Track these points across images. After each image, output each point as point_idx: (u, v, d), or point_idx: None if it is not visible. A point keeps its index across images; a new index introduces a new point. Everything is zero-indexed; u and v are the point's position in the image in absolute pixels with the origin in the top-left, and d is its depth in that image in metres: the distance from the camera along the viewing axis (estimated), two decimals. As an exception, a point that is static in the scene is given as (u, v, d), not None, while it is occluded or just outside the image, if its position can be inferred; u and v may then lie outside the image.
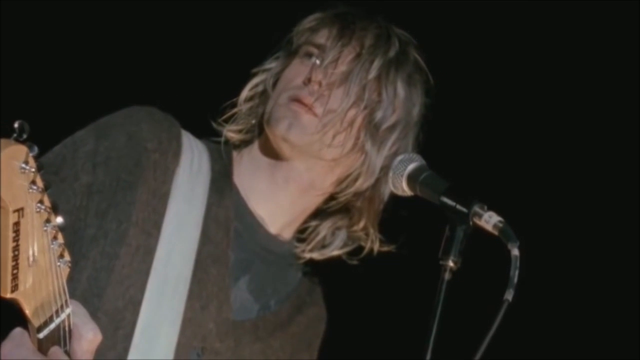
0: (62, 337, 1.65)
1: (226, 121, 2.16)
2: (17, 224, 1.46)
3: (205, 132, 2.18)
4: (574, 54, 3.03)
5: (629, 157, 3.05)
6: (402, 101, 2.12)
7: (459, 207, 1.79)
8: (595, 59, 3.04)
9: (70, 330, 1.66)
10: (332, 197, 2.20)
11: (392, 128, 2.10)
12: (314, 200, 2.18)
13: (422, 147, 2.17)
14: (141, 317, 1.99)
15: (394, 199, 2.13)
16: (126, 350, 1.98)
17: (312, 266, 2.26)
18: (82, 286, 1.89)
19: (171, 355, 2.02)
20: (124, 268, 2.00)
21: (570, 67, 3.01)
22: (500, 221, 1.75)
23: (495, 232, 1.74)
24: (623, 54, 3.01)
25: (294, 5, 2.19)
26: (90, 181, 2.00)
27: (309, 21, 2.14)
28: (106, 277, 1.98)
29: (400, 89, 2.10)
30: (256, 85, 2.17)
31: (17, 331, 1.61)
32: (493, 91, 3.02)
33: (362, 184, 2.13)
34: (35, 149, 1.46)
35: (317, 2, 2.17)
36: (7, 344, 1.61)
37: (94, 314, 1.87)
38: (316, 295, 2.29)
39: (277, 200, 2.15)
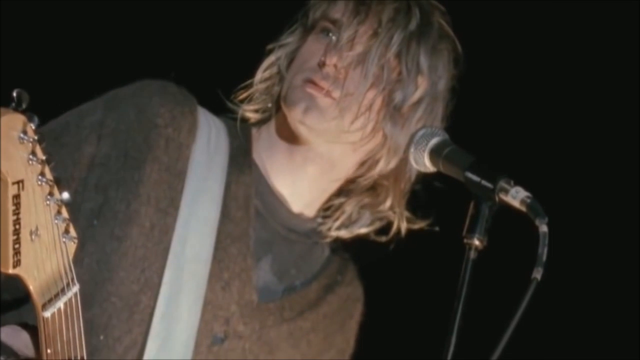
0: (69, 317, 1.65)
1: (242, 101, 2.17)
2: (17, 196, 1.46)
3: (221, 110, 2.19)
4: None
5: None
6: (426, 75, 2.09)
7: (484, 182, 1.75)
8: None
9: (78, 309, 1.66)
10: (355, 179, 2.20)
11: (416, 105, 2.09)
12: (335, 181, 2.18)
13: (449, 121, 2.18)
14: (160, 301, 1.98)
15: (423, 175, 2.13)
16: (142, 334, 1.98)
17: (341, 244, 2.27)
18: (93, 271, 1.89)
19: (192, 340, 2.02)
20: (137, 250, 1.99)
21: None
22: (528, 197, 1.71)
23: (523, 209, 1.70)
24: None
25: None
26: (93, 153, 1.99)
27: None
28: (118, 260, 1.97)
29: (424, 63, 2.07)
30: (271, 65, 2.16)
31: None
32: (525, 65, 2.99)
33: (386, 166, 2.13)
34: (36, 119, 1.46)
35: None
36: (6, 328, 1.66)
37: (107, 299, 1.96)
38: (349, 274, 2.28)
39: (297, 179, 2.15)
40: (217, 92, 2.14)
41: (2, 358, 1.70)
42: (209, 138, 2.10)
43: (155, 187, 2.01)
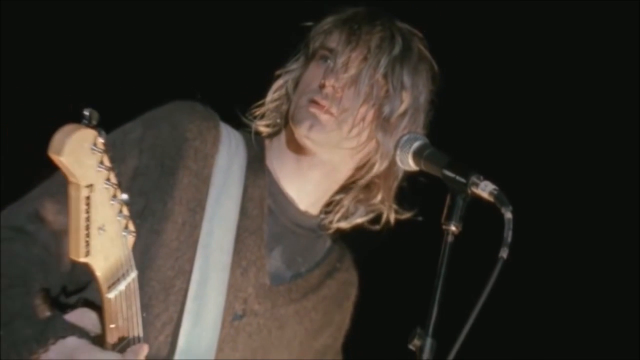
0: (129, 298, 1.78)
1: (256, 117, 2.32)
2: (88, 198, 1.58)
3: (239, 125, 2.32)
4: (566, 34, 3.10)
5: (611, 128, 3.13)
6: (409, 91, 2.24)
7: (458, 178, 1.89)
8: (590, 35, 3.12)
9: (136, 292, 1.78)
10: (353, 179, 2.34)
11: (402, 116, 2.23)
12: (336, 183, 2.33)
13: (430, 127, 2.29)
14: (192, 284, 2.12)
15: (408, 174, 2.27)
16: (177, 312, 2.11)
17: (339, 236, 2.40)
18: (137, 260, 1.88)
19: (219, 316, 2.15)
20: (172, 242, 2.12)
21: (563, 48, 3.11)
22: (494, 189, 1.85)
23: (491, 199, 1.85)
24: (615, 33, 3.08)
25: (305, 10, 2.32)
26: (136, 164, 2.12)
27: (321, 26, 2.28)
28: (156, 250, 2.10)
29: (407, 81, 2.22)
30: (279, 88, 2.32)
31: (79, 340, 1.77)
32: (490, 74, 3.10)
33: (379, 167, 2.28)
34: (104, 133, 1.57)
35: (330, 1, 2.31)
36: (69, 341, 1.77)
37: (148, 283, 2.07)
38: (347, 262, 2.43)
39: (303, 182, 2.29)
40: (236, 110, 2.31)
41: (75, 336, 1.78)
42: (230, 148, 2.25)
43: (185, 190, 2.14)
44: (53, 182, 2.04)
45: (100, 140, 1.56)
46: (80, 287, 2.03)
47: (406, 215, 2.36)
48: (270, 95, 2.32)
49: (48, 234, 1.99)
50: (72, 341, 1.78)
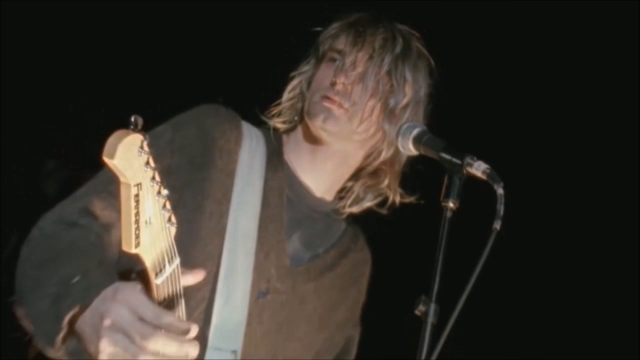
0: (173, 282, 1.86)
1: (274, 116, 2.43)
2: (137, 195, 1.65)
3: (259, 123, 2.43)
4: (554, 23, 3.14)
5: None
6: (410, 85, 2.36)
7: (454, 159, 1.99)
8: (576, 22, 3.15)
9: (179, 277, 1.86)
10: (362, 167, 2.45)
11: (405, 108, 2.35)
12: (348, 171, 2.43)
13: (430, 117, 2.40)
14: (222, 267, 2.22)
15: (411, 160, 2.40)
16: (209, 291, 2.19)
17: (353, 220, 2.50)
18: None
19: (247, 295, 2.25)
20: (201, 230, 2.21)
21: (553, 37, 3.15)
22: (487, 168, 1.95)
23: (484, 177, 1.94)
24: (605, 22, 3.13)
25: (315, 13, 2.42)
26: (169, 163, 2.20)
27: (329, 31, 2.40)
28: (188, 239, 2.16)
29: (408, 76, 2.34)
30: (294, 88, 2.43)
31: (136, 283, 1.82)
32: (486, 68, 3.17)
33: (386, 155, 2.39)
34: (148, 137, 1.63)
35: (338, 3, 2.41)
36: (128, 287, 1.81)
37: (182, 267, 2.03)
38: (360, 242, 2.53)
39: (319, 172, 2.40)
40: (256, 110, 2.43)
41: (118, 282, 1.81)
42: (251, 145, 2.36)
43: (213, 184, 2.24)
44: (98, 180, 2.16)
45: (146, 143, 1.63)
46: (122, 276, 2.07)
47: (409, 198, 2.46)
48: (286, 95, 2.44)
49: (99, 226, 2.08)
50: (115, 285, 1.84)
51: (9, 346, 3.62)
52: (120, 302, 1.77)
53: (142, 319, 1.75)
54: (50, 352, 1.91)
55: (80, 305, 1.85)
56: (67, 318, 1.86)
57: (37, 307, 1.91)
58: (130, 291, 1.80)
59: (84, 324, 1.83)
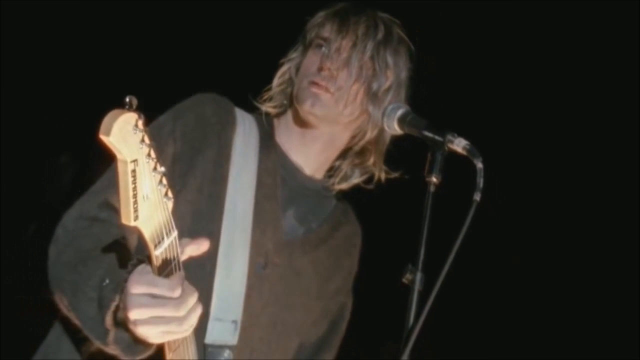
0: (172, 252, 1.90)
1: (265, 101, 2.50)
2: (134, 171, 1.68)
3: (251, 108, 2.51)
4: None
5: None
6: (392, 69, 2.44)
7: (436, 137, 2.06)
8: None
9: (177, 247, 1.91)
10: (349, 147, 2.53)
11: (387, 90, 2.43)
12: (335, 150, 2.52)
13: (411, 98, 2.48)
14: (221, 244, 2.29)
15: (395, 139, 2.47)
16: (211, 266, 2.28)
17: (342, 195, 2.58)
18: (175, 224, 1.95)
19: (246, 269, 2.32)
20: (201, 210, 2.29)
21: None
22: (467, 144, 2.03)
23: (464, 153, 2.01)
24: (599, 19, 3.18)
25: (303, 7, 2.50)
26: (173, 151, 2.30)
27: (315, 19, 2.47)
28: (190, 218, 2.27)
29: (390, 61, 2.42)
30: (284, 74, 2.51)
31: (141, 266, 1.91)
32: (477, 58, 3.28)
33: (370, 135, 2.47)
34: (142, 115, 1.67)
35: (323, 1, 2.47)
36: (134, 275, 1.90)
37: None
38: (350, 216, 2.61)
39: (308, 153, 2.48)
40: (248, 96, 2.50)
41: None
42: (244, 129, 2.44)
43: (211, 166, 2.33)
44: (111, 174, 2.17)
45: (141, 122, 1.66)
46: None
47: (394, 174, 2.54)
48: (276, 81, 2.52)
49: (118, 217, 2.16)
50: (130, 278, 1.92)
51: (9, 346, 3.73)
52: (135, 289, 1.90)
53: (158, 296, 1.87)
54: (106, 350, 2.04)
55: (115, 303, 1.97)
56: (108, 320, 1.98)
57: (85, 313, 2.03)
58: (137, 277, 1.90)
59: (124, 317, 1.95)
